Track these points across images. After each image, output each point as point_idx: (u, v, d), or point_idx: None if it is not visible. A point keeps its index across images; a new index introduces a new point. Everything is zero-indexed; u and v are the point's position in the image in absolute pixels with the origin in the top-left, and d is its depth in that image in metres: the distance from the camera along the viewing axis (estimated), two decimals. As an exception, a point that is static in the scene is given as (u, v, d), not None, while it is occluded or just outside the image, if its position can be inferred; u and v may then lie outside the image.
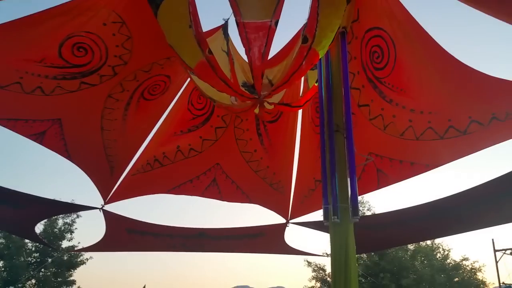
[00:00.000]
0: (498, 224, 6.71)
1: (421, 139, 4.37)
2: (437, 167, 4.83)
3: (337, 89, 3.55)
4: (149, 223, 6.13)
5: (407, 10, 3.75)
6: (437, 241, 21.50)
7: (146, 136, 5.11)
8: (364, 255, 19.46)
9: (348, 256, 3.17)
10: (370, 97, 4.42)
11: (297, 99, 4.61)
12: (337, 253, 3.21)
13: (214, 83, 3.37)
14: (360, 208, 19.79)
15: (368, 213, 19.63)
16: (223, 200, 5.78)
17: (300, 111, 5.21)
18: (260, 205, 5.98)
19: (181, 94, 5.01)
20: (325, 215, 3.33)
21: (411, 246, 20.22)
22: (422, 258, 20.18)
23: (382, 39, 4.00)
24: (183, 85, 4.94)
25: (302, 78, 4.64)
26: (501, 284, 11.24)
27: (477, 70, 3.71)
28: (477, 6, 3.13)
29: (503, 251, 11.48)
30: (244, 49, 3.24)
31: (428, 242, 21.27)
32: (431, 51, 3.75)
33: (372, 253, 19.00)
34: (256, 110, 3.74)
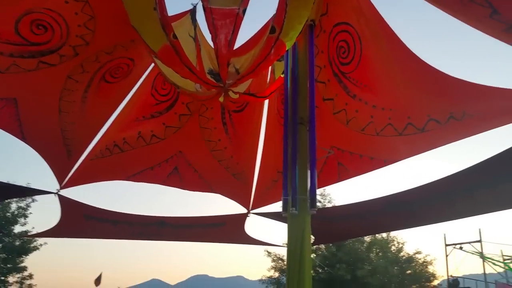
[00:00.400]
0: (449, 220, 7.03)
1: (381, 135, 4.49)
2: (395, 162, 4.98)
3: (302, 82, 3.57)
4: (108, 210, 5.97)
5: (375, 8, 3.81)
6: (393, 234, 22.38)
7: (106, 120, 4.94)
8: (322, 246, 19.95)
9: (304, 247, 3.22)
10: (335, 91, 4.48)
11: (263, 90, 4.60)
12: (293, 244, 3.26)
13: (178, 69, 3.29)
14: (321, 200, 20.25)
15: (329, 205, 20.08)
16: (184, 189, 5.71)
17: (266, 102, 5.20)
18: (222, 194, 5.96)
19: (145, 79, 4.87)
20: (284, 206, 3.37)
21: (367, 238, 20.92)
22: (378, 250, 20.95)
23: (349, 35, 4.05)
24: (147, 69, 4.81)
25: (269, 69, 4.63)
26: (449, 277, 11.85)
27: (438, 70, 3.83)
28: (441, 7, 3.23)
29: (453, 246, 12.08)
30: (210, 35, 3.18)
31: (384, 234, 22.08)
32: (395, 50, 3.84)
33: (330, 244, 19.51)
34: (221, 99, 3.70)
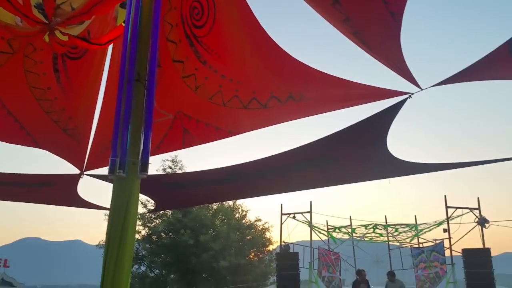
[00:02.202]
0: (284, 192, 7.64)
1: (227, 106, 4.49)
2: (238, 134, 5.08)
3: (145, 35, 3.26)
4: None
5: None
6: (238, 202, 23.71)
7: None
8: (169, 212, 19.97)
9: (128, 211, 3.01)
10: (185, 54, 4.27)
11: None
12: (117, 208, 3.02)
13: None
14: (172, 167, 20.06)
15: (180, 172, 20.08)
16: (1, 140, 4.86)
17: (109, 54, 4.69)
18: (50, 151, 5.27)
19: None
20: (111, 168, 3.08)
21: (214, 206, 21.74)
22: (223, 217, 21.94)
23: (204, -4, 3.86)
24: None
25: (113, 16, 4.15)
26: (282, 243, 13.10)
27: (283, 50, 3.93)
28: None
29: (288, 215, 13.32)
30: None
31: (230, 202, 23.26)
32: (246, 21, 3.80)
33: (177, 211, 19.65)
34: (46, 38, 3.14)
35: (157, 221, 19.89)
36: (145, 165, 3.19)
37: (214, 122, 4.85)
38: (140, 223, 20.23)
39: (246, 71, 4.18)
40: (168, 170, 19.20)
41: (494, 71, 4.00)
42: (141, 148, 3.21)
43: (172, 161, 20.34)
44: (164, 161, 20.12)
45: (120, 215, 3.02)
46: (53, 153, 5.30)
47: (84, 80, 4.65)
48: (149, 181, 6.71)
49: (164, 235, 19.92)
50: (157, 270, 20.82)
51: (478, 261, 10.69)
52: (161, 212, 19.99)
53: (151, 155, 5.25)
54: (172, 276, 20.81)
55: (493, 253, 11.03)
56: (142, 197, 19.40)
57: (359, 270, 12.77)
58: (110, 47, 4.66)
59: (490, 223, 11.51)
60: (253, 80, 4.19)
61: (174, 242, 18.85)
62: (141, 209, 19.70)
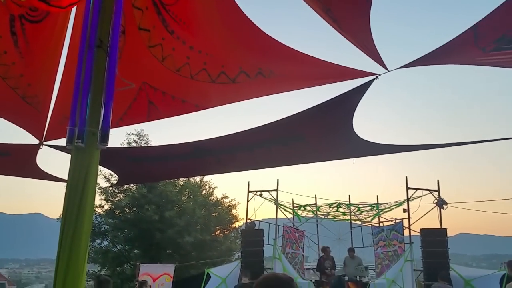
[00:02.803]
0: (250, 169, 7.67)
1: (195, 79, 4.39)
2: (206, 108, 5.01)
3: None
4: None
5: None
6: (206, 179, 23.68)
7: None
8: (133, 187, 19.70)
9: (87, 183, 2.91)
10: (152, 22, 4.10)
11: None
12: (75, 179, 2.92)
13: None
14: (137, 141, 19.68)
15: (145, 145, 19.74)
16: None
17: (71, 19, 4.44)
18: (6, 119, 5.02)
19: None
20: (69, 138, 2.97)
21: (180, 182, 21.62)
22: (189, 194, 21.88)
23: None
24: None
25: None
26: (248, 220, 13.26)
27: (253, 23, 3.86)
28: None
29: (254, 193, 13.43)
30: None
31: (197, 179, 23.18)
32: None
33: (142, 186, 19.41)
34: (0, -3, 2.92)
35: (121, 196, 19.59)
36: (105, 135, 3.09)
37: (180, 95, 4.75)
38: (103, 197, 19.90)
39: (215, 44, 4.08)
40: (133, 144, 18.80)
41: (459, 56, 4.10)
42: (101, 117, 3.10)
43: (138, 135, 19.97)
44: (129, 134, 19.70)
45: (78, 186, 2.92)
46: (9, 121, 5.05)
47: (44, 46, 4.40)
48: (112, 154, 6.58)
49: (127, 210, 19.69)
50: (120, 245, 20.65)
51: (434, 240, 11.20)
52: (125, 186, 19.67)
53: (114, 127, 5.12)
54: (135, 251, 20.72)
55: (449, 233, 11.60)
56: (106, 171, 19.00)
57: (324, 247, 13.14)
58: (74, 11, 4.43)
59: (448, 204, 12.01)
60: (222, 54, 4.11)
61: (138, 217, 18.67)
62: (104, 183, 19.35)
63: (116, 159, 6.50)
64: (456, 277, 10.28)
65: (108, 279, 5.85)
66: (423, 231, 11.49)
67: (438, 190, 12.09)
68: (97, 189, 19.08)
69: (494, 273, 10.76)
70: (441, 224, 11.80)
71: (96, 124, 3.02)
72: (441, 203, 11.97)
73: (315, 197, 14.85)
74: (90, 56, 2.96)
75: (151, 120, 5.18)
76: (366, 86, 4.46)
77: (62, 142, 5.45)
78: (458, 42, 3.68)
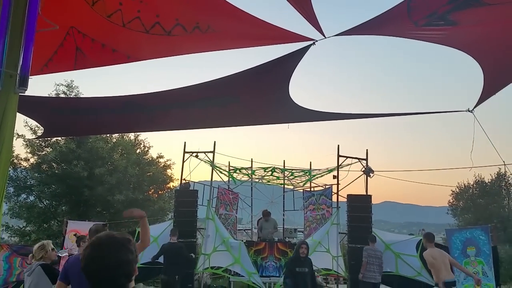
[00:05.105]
0: (185, 128, 7.52)
1: (127, 27, 4.13)
2: (138, 60, 4.76)
3: None
4: None
5: None
6: (141, 137, 22.94)
7: None
8: (62, 141, 18.61)
9: (4, 128, 2.69)
10: (81, -40, 3.75)
11: None
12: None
13: None
14: (68, 92, 18.40)
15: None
16: None
17: None
18: None
19: None
20: (-16, 80, 2.68)
21: (113, 139, 20.76)
22: (122, 151, 21.14)
23: None
24: None
25: None
26: (183, 180, 13.14)
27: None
28: None
29: (191, 153, 13.27)
30: None
31: (132, 136, 22.39)
32: None
33: (71, 141, 18.41)
34: None
35: (48, 150, 18.44)
36: (24, 79, 2.84)
37: (111, 43, 4.46)
38: (29, 150, 18.60)
39: (151, -9, 3.83)
40: (62, 95, 17.49)
41: (392, 28, 4.23)
42: (21, 59, 2.84)
43: (68, 86, 18.53)
44: (58, 85, 18.24)
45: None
46: None
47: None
48: (37, 103, 6.11)
49: (55, 165, 18.64)
50: (46, 201, 19.64)
51: (360, 206, 11.94)
52: (53, 140, 18.51)
53: (38, 74, 4.73)
54: (63, 207, 19.86)
55: (375, 201, 12.35)
56: (32, 123, 17.68)
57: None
58: None
59: (375, 173, 12.75)
60: (157, 2, 3.88)
61: (66, 173, 17.77)
62: (30, 135, 18.04)
63: (40, 108, 6.05)
64: (378, 241, 11.10)
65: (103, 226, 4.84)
66: (349, 196, 12.16)
67: (366, 159, 12.76)
68: (22, 142, 17.75)
69: (411, 239, 11.83)
70: (366, 191, 12.56)
71: (14, 66, 2.77)
72: (368, 171, 12.67)
73: (251, 161, 15.08)
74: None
75: (80, 69, 4.85)
76: (303, 51, 4.49)
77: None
78: (392, 14, 3.78)
